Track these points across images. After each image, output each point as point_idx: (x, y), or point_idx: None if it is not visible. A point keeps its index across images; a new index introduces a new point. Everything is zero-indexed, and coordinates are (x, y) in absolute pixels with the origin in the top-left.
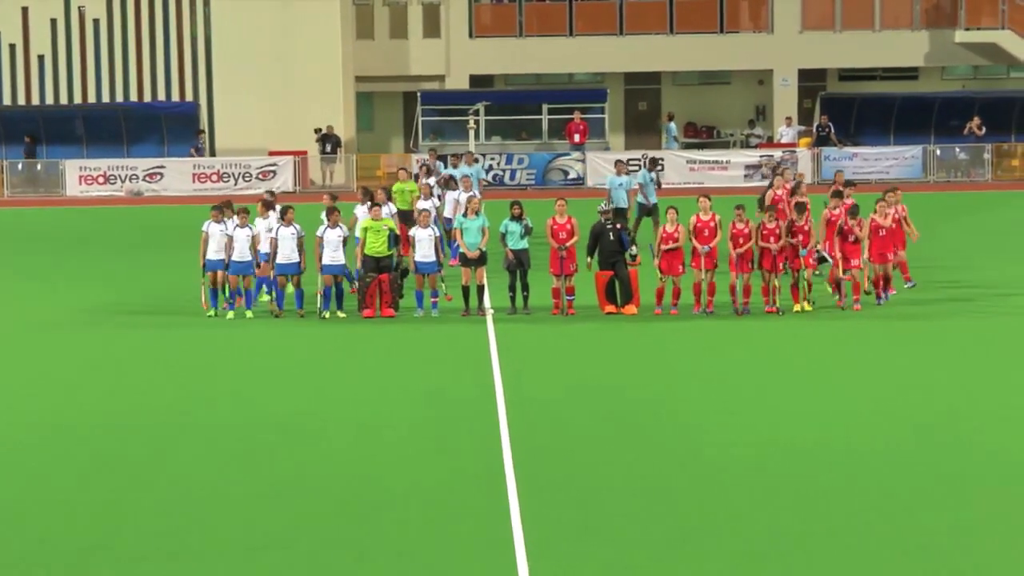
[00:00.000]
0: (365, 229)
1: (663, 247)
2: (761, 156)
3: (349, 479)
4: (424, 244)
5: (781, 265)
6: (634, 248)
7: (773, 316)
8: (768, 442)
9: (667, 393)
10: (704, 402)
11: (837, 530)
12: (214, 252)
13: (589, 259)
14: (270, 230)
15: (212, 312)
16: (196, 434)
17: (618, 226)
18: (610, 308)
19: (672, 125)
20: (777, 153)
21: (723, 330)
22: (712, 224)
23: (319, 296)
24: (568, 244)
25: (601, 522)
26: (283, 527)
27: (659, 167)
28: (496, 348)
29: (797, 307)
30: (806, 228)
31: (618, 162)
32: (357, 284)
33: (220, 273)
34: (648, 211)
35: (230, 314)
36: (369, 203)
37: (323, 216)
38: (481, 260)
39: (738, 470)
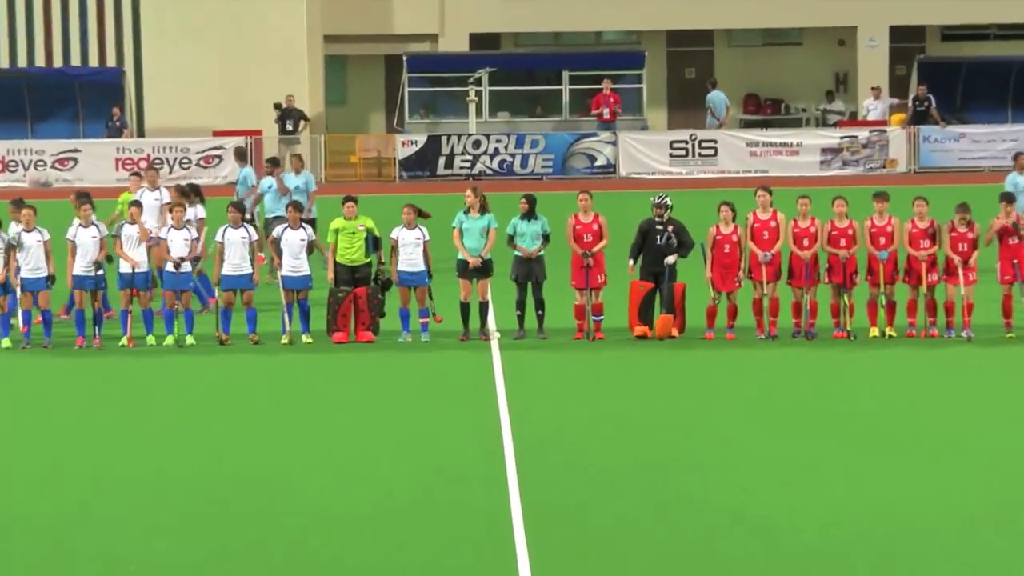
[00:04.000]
0: (336, 231)
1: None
2: (842, 137)
3: (320, 545)
4: (409, 249)
5: (855, 277)
6: (671, 259)
7: (845, 343)
8: (833, 509)
9: (710, 444)
10: (756, 457)
11: None
12: (82, 267)
13: (632, 262)
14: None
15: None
16: (124, 489)
17: (670, 228)
18: (641, 329)
19: (717, 95)
20: (862, 133)
21: (787, 362)
22: (773, 224)
23: (287, 311)
24: (595, 250)
25: None
26: None
27: None
28: (503, 382)
29: (874, 331)
30: None
31: (1019, 155)
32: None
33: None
34: None
35: (149, 339)
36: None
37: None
38: (484, 271)
39: (789, 541)
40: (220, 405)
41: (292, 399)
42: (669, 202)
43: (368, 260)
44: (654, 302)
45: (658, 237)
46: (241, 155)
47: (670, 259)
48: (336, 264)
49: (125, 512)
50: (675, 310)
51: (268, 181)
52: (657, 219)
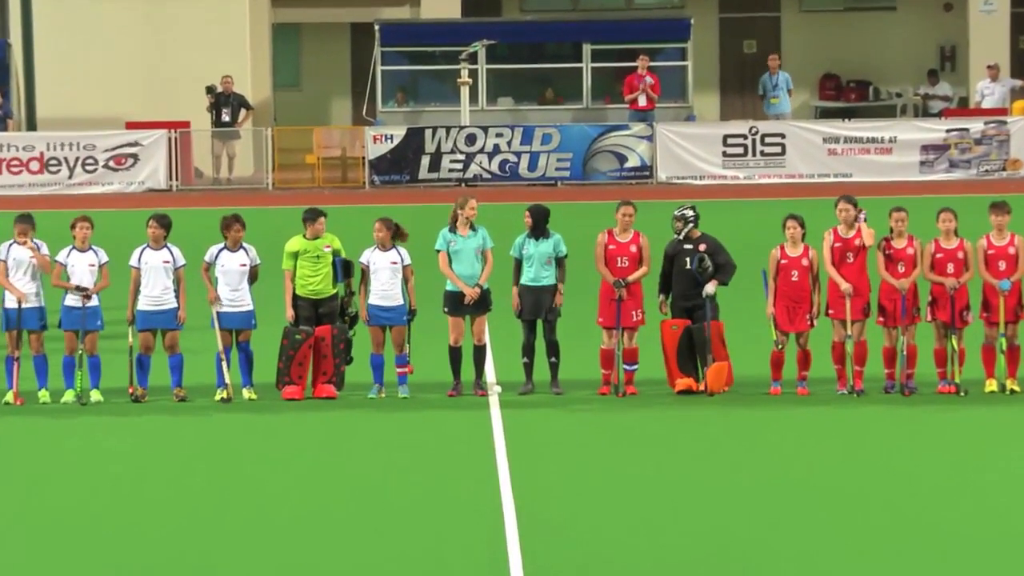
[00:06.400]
0: (295, 254)
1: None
2: (948, 131)
3: None
4: (384, 276)
5: (966, 314)
6: (710, 287)
7: (953, 399)
8: None
9: (765, 537)
10: (836, 550)
11: None
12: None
13: (662, 298)
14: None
15: None
16: None
17: (702, 247)
18: (685, 382)
19: (782, 77)
20: (975, 125)
21: (877, 423)
22: (857, 243)
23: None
24: (631, 278)
25: None
26: None
27: None
28: (504, 451)
29: (991, 384)
30: None
31: None
32: None
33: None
34: None
35: (43, 394)
36: None
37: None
38: (481, 305)
39: None
40: (134, 481)
41: (229, 473)
42: (691, 213)
43: (335, 291)
44: (692, 344)
45: (687, 260)
46: None
47: (709, 288)
48: (296, 297)
49: None
50: (714, 355)
51: None
52: (681, 237)
